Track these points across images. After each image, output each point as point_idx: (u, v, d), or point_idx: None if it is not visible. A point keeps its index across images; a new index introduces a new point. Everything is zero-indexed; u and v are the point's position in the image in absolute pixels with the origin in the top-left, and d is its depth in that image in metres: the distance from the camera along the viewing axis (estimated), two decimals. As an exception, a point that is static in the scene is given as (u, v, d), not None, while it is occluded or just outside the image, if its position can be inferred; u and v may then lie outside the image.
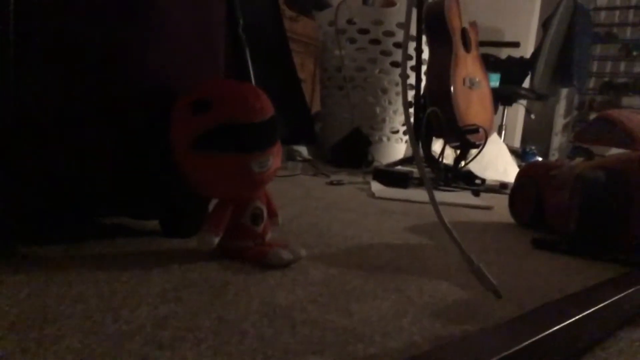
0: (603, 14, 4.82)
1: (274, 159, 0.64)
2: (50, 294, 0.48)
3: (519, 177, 1.16)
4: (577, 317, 0.48)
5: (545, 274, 0.71)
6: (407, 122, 0.59)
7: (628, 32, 4.76)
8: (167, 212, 0.72)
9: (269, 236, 0.67)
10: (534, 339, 0.42)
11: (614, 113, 0.99)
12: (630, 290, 0.59)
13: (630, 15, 4.73)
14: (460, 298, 0.57)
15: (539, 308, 0.53)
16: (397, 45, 2.21)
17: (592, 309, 0.51)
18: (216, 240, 0.61)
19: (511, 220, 1.14)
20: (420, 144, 1.82)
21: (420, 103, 1.91)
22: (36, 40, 0.59)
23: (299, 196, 1.20)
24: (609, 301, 0.54)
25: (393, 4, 2.24)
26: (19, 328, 0.40)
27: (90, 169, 0.64)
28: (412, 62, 2.03)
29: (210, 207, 0.66)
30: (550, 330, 0.44)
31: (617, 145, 1.01)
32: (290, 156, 1.91)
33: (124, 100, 0.64)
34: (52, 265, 0.56)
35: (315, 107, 2.79)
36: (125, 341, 0.39)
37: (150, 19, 0.65)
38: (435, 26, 1.97)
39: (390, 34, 2.20)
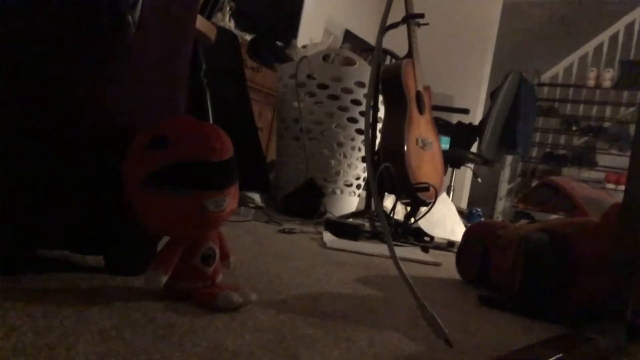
0: (546, 89, 5.16)
1: (231, 200, 0.63)
2: (-21, 326, 0.45)
3: (466, 235, 1.18)
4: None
5: (490, 330, 0.72)
6: (370, 176, 0.60)
7: (568, 108, 5.09)
8: (113, 248, 0.69)
9: (219, 278, 0.66)
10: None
11: (558, 179, 1.04)
12: (569, 352, 0.61)
13: (570, 93, 5.08)
14: (410, 350, 0.57)
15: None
16: (354, 102, 2.27)
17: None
18: (164, 279, 0.59)
19: (458, 277, 1.16)
20: (373, 199, 1.85)
21: (374, 159, 1.96)
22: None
23: (250, 242, 1.18)
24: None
25: (353, 63, 2.32)
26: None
27: (33, 199, 0.61)
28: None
29: (161, 244, 0.64)
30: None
31: (559, 211, 1.06)
32: (243, 202, 1.89)
33: (76, 135, 0.62)
34: (-17, 296, 0.53)
35: (271, 156, 2.80)
36: (60, 379, 0.37)
37: (116, 58, 0.65)
38: (392, 87, 2.05)
39: (348, 91, 2.27)
